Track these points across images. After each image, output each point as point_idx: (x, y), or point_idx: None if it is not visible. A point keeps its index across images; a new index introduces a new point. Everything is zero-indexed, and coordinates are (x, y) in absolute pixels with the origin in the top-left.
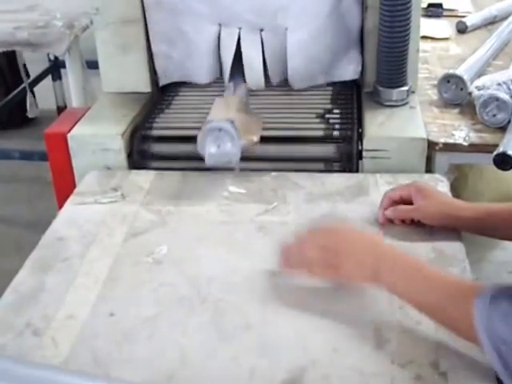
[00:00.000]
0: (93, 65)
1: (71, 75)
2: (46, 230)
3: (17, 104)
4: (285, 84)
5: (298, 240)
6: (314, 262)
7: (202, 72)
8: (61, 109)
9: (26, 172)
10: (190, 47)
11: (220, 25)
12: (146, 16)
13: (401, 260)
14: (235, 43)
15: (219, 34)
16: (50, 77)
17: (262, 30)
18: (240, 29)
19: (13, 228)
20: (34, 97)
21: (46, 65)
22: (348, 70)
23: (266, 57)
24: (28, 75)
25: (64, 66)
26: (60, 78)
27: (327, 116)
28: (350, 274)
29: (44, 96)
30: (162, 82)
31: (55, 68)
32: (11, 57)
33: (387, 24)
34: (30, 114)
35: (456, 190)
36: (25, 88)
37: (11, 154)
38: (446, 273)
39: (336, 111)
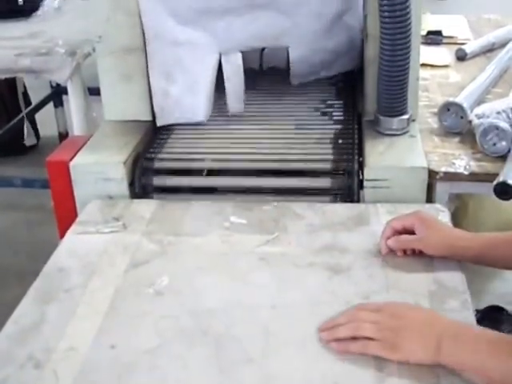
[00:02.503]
0: (94, 91)
1: (73, 102)
2: (47, 258)
3: (18, 131)
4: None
5: (348, 316)
6: (369, 342)
7: (199, 108)
8: (62, 135)
9: (27, 199)
10: (189, 81)
11: (220, 54)
12: (146, 48)
13: (462, 332)
14: (241, 67)
15: (219, 66)
16: (51, 103)
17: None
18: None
19: (14, 256)
20: (36, 124)
21: (47, 91)
22: (346, 66)
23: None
24: (29, 103)
25: (66, 93)
26: (62, 104)
27: (328, 146)
28: (410, 355)
29: (46, 122)
30: (160, 122)
31: (57, 94)
32: (13, 84)
33: (387, 53)
34: (27, 142)
35: (456, 219)
36: (26, 115)
37: (13, 182)
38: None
39: (336, 141)
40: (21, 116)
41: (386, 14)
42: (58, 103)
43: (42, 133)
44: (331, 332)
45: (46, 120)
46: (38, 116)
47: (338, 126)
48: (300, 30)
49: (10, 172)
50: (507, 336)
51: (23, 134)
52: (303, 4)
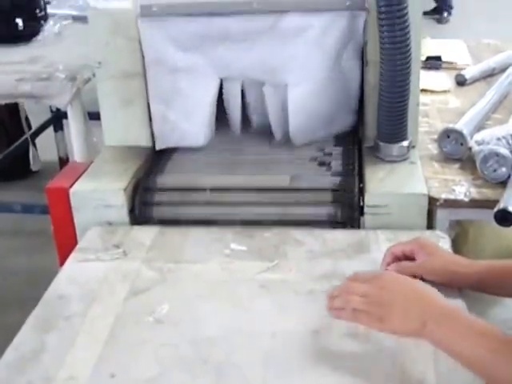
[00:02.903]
0: (94, 116)
1: (73, 127)
2: (47, 283)
3: (19, 156)
4: (287, 139)
5: (342, 287)
6: (358, 312)
7: (198, 133)
8: (62, 160)
9: (26, 224)
10: (187, 106)
11: (221, 80)
12: (146, 73)
13: (446, 312)
14: (240, 95)
15: (219, 93)
16: (51, 127)
17: (263, 85)
18: (242, 83)
19: (14, 281)
20: (36, 148)
21: (47, 115)
22: (345, 122)
23: (269, 111)
24: (30, 128)
25: (66, 117)
26: (62, 128)
27: (328, 172)
28: (395, 328)
29: (46, 147)
30: (158, 145)
31: (57, 119)
32: (13, 108)
33: (387, 79)
34: (33, 168)
35: (457, 246)
36: (27, 140)
37: (13, 207)
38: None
39: (337, 166)
40: (22, 140)
41: (386, 40)
42: (58, 127)
43: (42, 157)
44: (329, 302)
45: (46, 144)
46: (38, 140)
47: (339, 152)
48: (300, 62)
49: (9, 197)
50: (489, 326)
51: (26, 159)
52: (303, 30)
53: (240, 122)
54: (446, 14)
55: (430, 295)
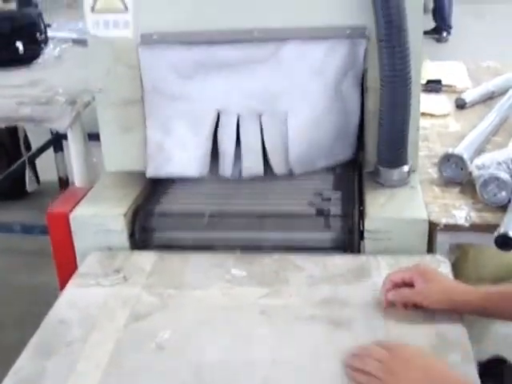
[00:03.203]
0: (94, 137)
1: (73, 149)
2: (45, 302)
3: (18, 176)
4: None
5: (361, 351)
6: (372, 378)
7: (193, 164)
8: (62, 180)
9: (26, 244)
10: (184, 136)
11: (218, 112)
12: (144, 100)
13: None
14: (235, 132)
15: (216, 124)
16: (51, 148)
17: (261, 116)
18: (239, 115)
19: (13, 300)
20: (36, 169)
21: (47, 135)
22: (345, 153)
23: (266, 144)
24: (29, 147)
25: (66, 138)
26: (62, 149)
27: (328, 197)
28: None
29: (46, 167)
30: (149, 173)
31: (57, 140)
32: (13, 129)
33: (387, 105)
34: (29, 189)
35: (457, 264)
36: (25, 161)
37: (12, 228)
38: None
39: (337, 191)
40: (21, 161)
41: (386, 67)
42: (58, 148)
43: (41, 177)
44: (348, 360)
45: (46, 165)
46: (38, 161)
47: (339, 177)
48: (300, 90)
49: (9, 216)
50: None
51: (24, 180)
52: (304, 59)
53: (232, 163)
54: (445, 34)
55: (440, 368)
